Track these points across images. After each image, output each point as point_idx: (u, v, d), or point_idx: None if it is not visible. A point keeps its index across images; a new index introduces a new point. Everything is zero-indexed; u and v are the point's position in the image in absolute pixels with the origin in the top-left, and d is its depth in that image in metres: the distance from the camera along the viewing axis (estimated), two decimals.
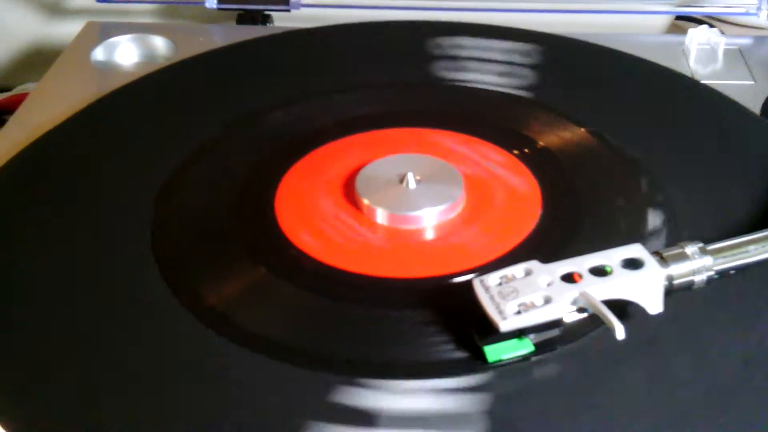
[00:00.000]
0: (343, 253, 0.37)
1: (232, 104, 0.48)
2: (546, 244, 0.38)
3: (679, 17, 0.68)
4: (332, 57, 0.52)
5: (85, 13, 0.66)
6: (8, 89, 0.66)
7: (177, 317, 0.35)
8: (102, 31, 0.58)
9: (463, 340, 0.33)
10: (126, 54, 0.57)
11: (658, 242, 0.38)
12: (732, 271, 0.34)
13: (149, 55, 0.57)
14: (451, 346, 0.33)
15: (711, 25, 0.66)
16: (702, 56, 0.54)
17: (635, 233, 0.38)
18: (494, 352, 0.32)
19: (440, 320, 0.34)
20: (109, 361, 0.33)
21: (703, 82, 0.51)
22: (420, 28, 0.54)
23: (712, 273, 0.33)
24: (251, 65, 0.52)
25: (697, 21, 0.69)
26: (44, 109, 0.50)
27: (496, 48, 0.52)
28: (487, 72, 0.50)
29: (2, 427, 0.30)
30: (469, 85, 0.49)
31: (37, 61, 0.68)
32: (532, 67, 0.51)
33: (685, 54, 0.54)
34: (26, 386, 0.32)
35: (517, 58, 0.51)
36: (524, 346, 0.32)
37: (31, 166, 0.44)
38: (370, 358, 0.33)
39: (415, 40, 0.53)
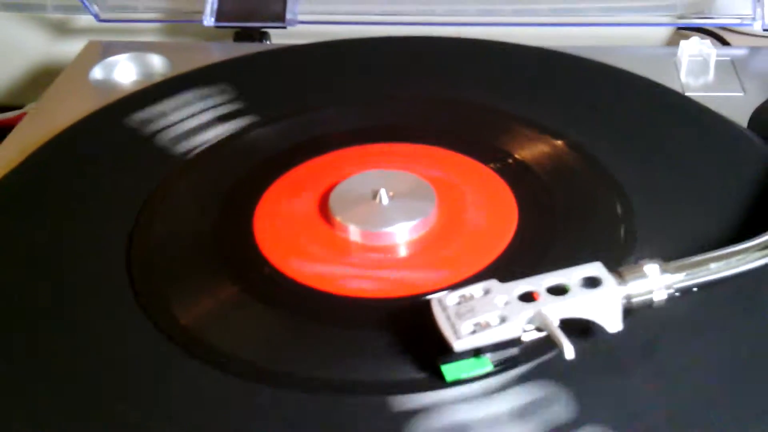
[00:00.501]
0: (317, 271, 0.38)
1: (212, 123, 0.49)
2: (519, 261, 0.38)
3: (683, 28, 0.67)
4: (307, 75, 0.53)
5: (93, 32, 0.68)
6: (18, 107, 0.68)
7: (151, 339, 0.35)
8: (103, 51, 0.59)
9: (428, 360, 0.33)
10: (124, 72, 0.58)
11: (632, 257, 0.38)
12: (694, 288, 0.34)
13: (147, 74, 0.58)
14: (417, 366, 0.33)
15: (718, 36, 0.66)
16: (694, 68, 0.54)
17: (609, 248, 0.38)
18: (452, 371, 0.32)
19: (405, 340, 0.34)
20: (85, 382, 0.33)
21: (690, 94, 0.51)
22: (394, 44, 0.54)
23: (672, 291, 0.33)
24: (233, 83, 0.52)
25: (704, 32, 0.69)
26: (41, 127, 0.51)
27: (472, 61, 0.53)
28: (462, 85, 0.50)
29: None
30: (445, 98, 0.49)
31: (46, 80, 0.69)
32: (509, 80, 0.51)
33: (676, 66, 0.54)
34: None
35: (493, 71, 0.52)
36: (482, 365, 0.32)
37: (20, 184, 0.45)
38: (335, 377, 0.33)
39: (390, 55, 0.53)
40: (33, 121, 0.53)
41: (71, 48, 0.61)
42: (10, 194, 0.45)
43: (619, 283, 0.32)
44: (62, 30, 0.69)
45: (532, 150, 0.44)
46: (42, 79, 0.69)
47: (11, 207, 0.44)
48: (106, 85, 0.57)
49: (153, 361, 0.34)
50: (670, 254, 0.34)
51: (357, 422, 0.31)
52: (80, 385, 0.33)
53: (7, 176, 0.46)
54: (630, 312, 0.33)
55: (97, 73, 0.58)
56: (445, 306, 0.32)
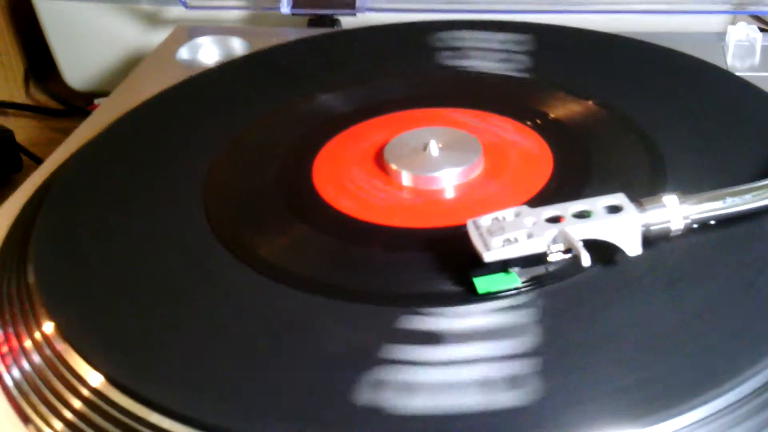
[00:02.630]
0: (375, 210, 0.42)
1: (279, 93, 0.53)
2: (555, 199, 0.41)
3: (738, 16, 0.69)
4: (362, 55, 0.57)
5: (182, 22, 0.73)
6: None
7: (232, 268, 0.39)
8: (189, 34, 0.65)
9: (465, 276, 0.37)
10: (208, 53, 0.63)
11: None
12: (712, 222, 0.37)
13: (229, 54, 0.63)
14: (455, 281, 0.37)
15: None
16: (740, 52, 0.56)
17: (634, 189, 0.41)
18: (483, 284, 0.35)
19: (447, 261, 0.38)
20: (174, 310, 0.37)
21: (734, 72, 0.53)
22: (442, 27, 0.58)
23: (688, 221, 0.36)
24: (296, 61, 0.57)
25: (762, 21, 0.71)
26: (128, 101, 0.56)
27: (514, 41, 0.57)
28: (504, 61, 0.54)
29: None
30: (489, 71, 0.53)
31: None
32: (540, 55, 0.55)
33: (723, 50, 0.57)
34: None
35: (527, 48, 0.55)
36: (511, 281, 0.35)
37: (113, 143, 0.51)
38: (398, 290, 0.37)
39: (441, 37, 0.58)
40: (120, 97, 0.58)
41: (162, 37, 0.67)
42: (104, 150, 0.50)
43: (640, 211, 0.36)
44: (154, 20, 0.75)
45: (564, 109, 0.48)
46: (133, 67, 0.74)
47: (97, 168, 0.49)
48: (192, 64, 0.62)
49: (241, 289, 0.38)
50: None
51: (396, 327, 0.35)
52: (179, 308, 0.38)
53: (94, 139, 0.51)
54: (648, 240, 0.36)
55: (183, 53, 0.63)
56: (479, 225, 0.36)
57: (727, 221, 0.37)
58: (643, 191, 0.40)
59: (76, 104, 0.80)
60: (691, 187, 0.40)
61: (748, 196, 0.36)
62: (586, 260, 0.33)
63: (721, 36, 0.58)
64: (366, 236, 0.40)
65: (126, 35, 0.76)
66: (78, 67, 0.79)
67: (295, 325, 0.36)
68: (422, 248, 0.39)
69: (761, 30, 0.68)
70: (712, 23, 0.68)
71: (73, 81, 0.80)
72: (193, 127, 0.51)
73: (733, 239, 0.37)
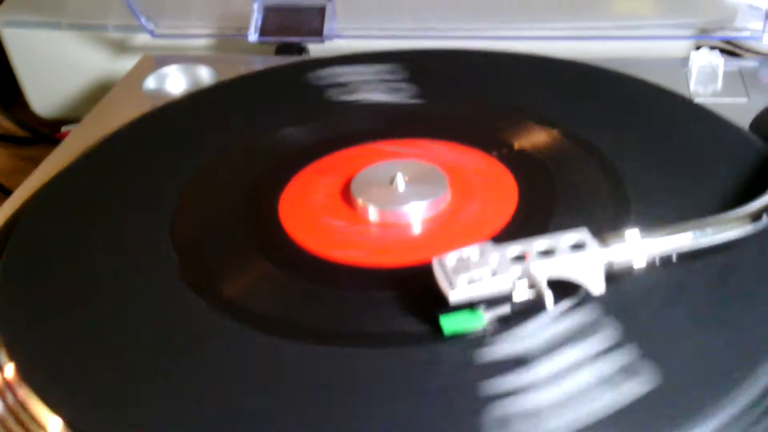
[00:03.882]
0: (342, 247, 0.42)
1: (245, 124, 0.54)
2: (519, 234, 0.41)
3: (704, 42, 0.70)
4: (330, 86, 0.57)
5: (149, 50, 0.73)
6: (79, 121, 0.73)
7: (192, 307, 0.39)
8: (156, 63, 0.65)
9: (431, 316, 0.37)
10: (175, 82, 0.63)
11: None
12: (674, 256, 0.37)
13: (195, 83, 0.63)
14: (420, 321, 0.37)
15: (734, 54, 0.69)
16: (703, 78, 0.57)
17: (599, 221, 0.41)
18: (449, 324, 0.35)
19: (412, 300, 0.38)
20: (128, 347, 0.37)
21: (695, 98, 0.54)
22: (406, 56, 0.59)
23: (652, 257, 0.36)
24: (262, 93, 0.57)
25: (726, 51, 0.72)
26: (96, 132, 0.56)
27: (480, 68, 0.57)
28: (468, 88, 0.55)
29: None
30: (452, 101, 0.54)
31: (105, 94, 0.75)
32: (505, 83, 0.55)
33: (686, 76, 0.57)
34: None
35: (499, 74, 0.56)
36: (477, 321, 0.36)
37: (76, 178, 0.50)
38: (348, 331, 0.37)
39: (405, 65, 0.58)
40: (87, 127, 0.58)
41: (129, 64, 0.66)
42: (71, 185, 0.50)
43: (602, 247, 0.36)
44: (121, 48, 0.75)
45: (529, 139, 0.48)
46: (101, 94, 0.74)
47: (65, 202, 0.48)
48: (159, 93, 0.62)
49: (203, 330, 0.38)
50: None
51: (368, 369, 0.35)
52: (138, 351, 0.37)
53: (60, 174, 0.50)
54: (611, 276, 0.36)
55: (150, 83, 0.63)
56: (444, 264, 0.36)
57: (689, 255, 0.37)
58: (607, 223, 0.41)
59: (42, 132, 0.80)
60: (654, 218, 0.41)
61: (709, 230, 0.37)
62: (549, 302, 0.33)
63: (685, 62, 0.59)
64: (332, 275, 0.40)
65: (93, 62, 0.76)
66: (45, 94, 0.79)
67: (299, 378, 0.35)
68: (389, 287, 0.39)
69: (731, 54, 0.69)
70: (677, 49, 0.69)
71: (40, 108, 0.80)
72: (159, 160, 0.51)
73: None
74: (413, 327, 0.37)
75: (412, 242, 0.42)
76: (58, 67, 0.77)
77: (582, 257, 0.35)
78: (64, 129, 0.78)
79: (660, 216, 0.41)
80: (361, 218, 0.44)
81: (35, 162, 0.55)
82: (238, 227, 0.44)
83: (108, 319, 0.39)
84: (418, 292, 0.38)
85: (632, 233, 0.36)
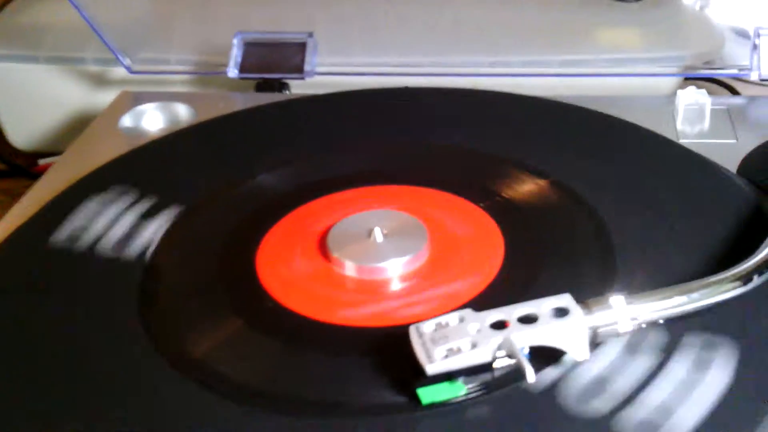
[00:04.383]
0: (315, 303, 0.41)
1: (223, 170, 0.52)
2: (503, 294, 0.40)
3: (690, 78, 0.70)
4: (304, 126, 0.56)
5: (128, 83, 0.72)
6: (58, 154, 0.72)
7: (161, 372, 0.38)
8: (134, 100, 0.63)
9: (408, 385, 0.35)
10: (152, 120, 0.62)
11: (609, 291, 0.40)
12: (660, 321, 0.36)
13: (173, 121, 0.62)
14: (397, 390, 0.36)
15: (728, 86, 0.68)
16: (690, 116, 0.56)
17: (590, 284, 0.40)
18: (427, 394, 0.34)
19: (389, 367, 0.36)
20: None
21: (684, 141, 0.53)
22: (390, 94, 0.57)
23: (637, 321, 0.35)
24: (237, 135, 0.56)
25: (716, 82, 0.71)
26: (73, 171, 0.55)
27: (462, 107, 0.56)
28: (450, 132, 0.53)
29: None
30: (435, 142, 0.52)
31: (83, 128, 0.73)
32: (496, 125, 0.54)
33: (673, 115, 0.56)
34: None
35: (483, 117, 0.54)
36: (457, 390, 0.34)
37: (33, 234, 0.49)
38: (320, 399, 0.36)
39: (383, 105, 0.57)
40: (64, 166, 0.57)
41: (108, 98, 0.65)
42: (39, 233, 0.48)
43: (586, 314, 0.35)
44: (100, 81, 0.74)
45: (518, 189, 0.47)
46: (79, 128, 0.73)
47: (39, 245, 0.47)
48: (135, 132, 0.61)
49: (171, 395, 0.37)
50: (648, 288, 0.37)
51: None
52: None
53: (30, 220, 0.49)
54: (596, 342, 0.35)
55: (126, 121, 0.61)
56: (421, 333, 0.34)
57: (676, 319, 0.36)
58: (593, 285, 0.39)
59: (17, 163, 0.78)
60: (642, 277, 0.40)
61: (695, 295, 0.36)
62: (530, 376, 0.32)
63: (672, 99, 0.58)
64: (310, 336, 0.39)
65: (72, 96, 0.75)
66: (23, 127, 0.78)
67: None
68: (365, 352, 0.37)
69: (721, 84, 0.68)
70: (663, 86, 0.68)
71: (17, 141, 0.78)
72: (131, 206, 0.49)
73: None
74: (390, 395, 0.35)
75: (390, 299, 0.41)
76: (36, 100, 0.76)
77: (565, 324, 0.34)
78: (41, 162, 0.77)
79: (648, 272, 0.40)
80: (337, 272, 0.42)
81: (11, 194, 0.54)
82: (212, 281, 0.43)
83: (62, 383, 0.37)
84: (396, 355, 0.36)
85: (617, 300, 0.35)
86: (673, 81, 0.70)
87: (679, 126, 0.55)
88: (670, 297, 0.36)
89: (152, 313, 0.41)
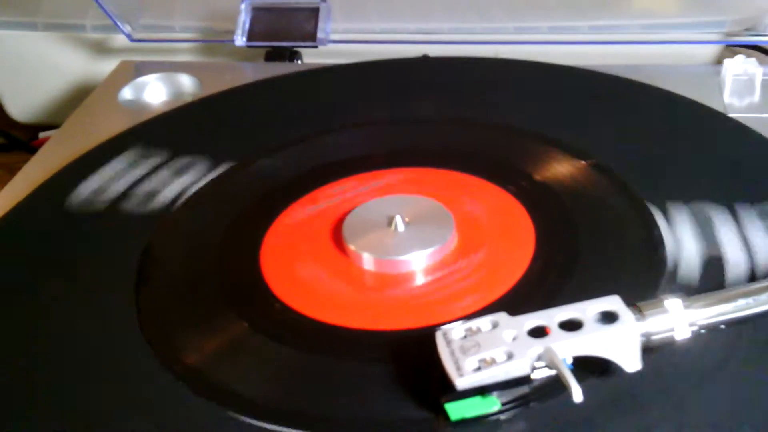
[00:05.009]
0: (328, 304, 0.36)
1: (225, 149, 0.48)
2: (535, 292, 0.36)
3: (732, 45, 0.65)
4: (317, 99, 0.52)
5: (130, 51, 0.67)
6: (57, 126, 0.68)
7: (158, 377, 0.34)
8: (135, 71, 0.59)
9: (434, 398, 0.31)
10: (154, 93, 0.58)
11: (659, 291, 0.35)
12: (722, 326, 0.31)
13: (177, 93, 0.58)
14: (422, 404, 0.31)
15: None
16: (738, 88, 0.51)
17: (635, 281, 0.36)
18: (456, 410, 0.30)
19: (412, 376, 0.32)
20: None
21: (734, 115, 0.48)
22: (411, 65, 0.52)
23: (695, 328, 0.31)
24: (240, 111, 0.52)
25: (758, 49, 0.66)
26: (68, 148, 0.51)
27: (488, 79, 0.51)
28: (479, 104, 0.49)
29: None
30: (461, 118, 0.47)
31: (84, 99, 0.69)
32: (527, 97, 0.49)
33: (720, 86, 0.52)
34: None
35: (512, 89, 0.50)
36: (489, 404, 0.30)
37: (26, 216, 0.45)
38: (336, 415, 0.32)
39: (404, 77, 0.52)
40: (60, 141, 0.53)
41: (109, 67, 0.61)
42: (31, 215, 0.44)
43: (638, 319, 0.30)
44: (100, 49, 0.69)
45: (552, 172, 0.42)
46: (80, 98, 0.69)
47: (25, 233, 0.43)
48: (136, 105, 0.57)
49: (167, 403, 0.33)
50: (701, 287, 0.32)
51: None
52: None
53: (22, 203, 0.45)
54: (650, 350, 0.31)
55: (126, 93, 0.57)
56: (450, 340, 0.30)
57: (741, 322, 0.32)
58: (638, 284, 0.35)
59: (15, 136, 0.74)
60: (697, 276, 0.35)
61: (764, 296, 0.31)
62: (578, 395, 0.28)
63: (717, 69, 0.53)
64: (320, 341, 0.35)
65: (71, 65, 0.71)
66: (22, 98, 0.74)
67: None
68: (385, 359, 0.33)
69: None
70: (700, 55, 0.63)
71: (16, 113, 0.75)
72: (127, 192, 0.45)
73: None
74: (413, 410, 0.31)
75: (412, 298, 0.36)
76: (35, 70, 0.72)
77: (614, 332, 0.30)
78: (41, 135, 0.74)
79: (703, 268, 0.36)
80: (354, 266, 0.38)
81: (9, 169, 0.50)
82: (211, 280, 0.39)
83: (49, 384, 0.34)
84: (420, 364, 0.32)
85: (673, 303, 0.31)
86: (712, 49, 0.65)
87: (727, 99, 0.51)
88: (734, 299, 0.31)
89: (148, 318, 0.37)
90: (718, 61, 0.63)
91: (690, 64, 0.61)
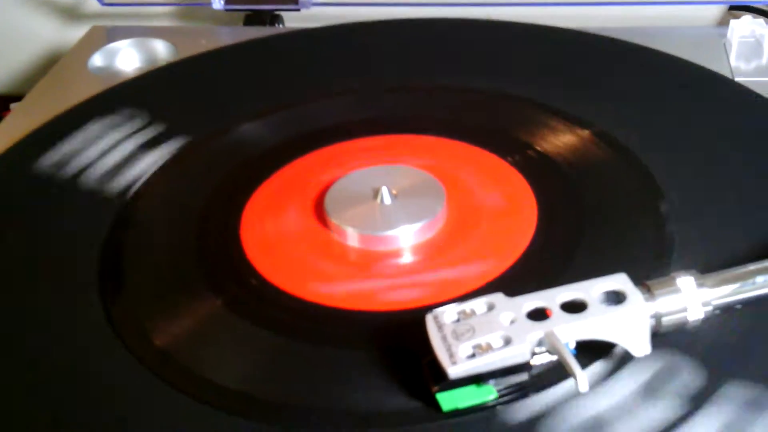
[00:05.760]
0: (310, 282, 0.33)
1: (200, 117, 0.45)
2: (535, 271, 0.33)
3: (735, 7, 0.62)
4: (303, 62, 0.49)
5: (102, 17, 0.64)
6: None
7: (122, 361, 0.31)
8: (107, 36, 0.56)
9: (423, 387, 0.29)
10: (127, 60, 0.55)
11: (668, 268, 0.32)
12: (738, 306, 0.29)
13: (151, 60, 0.54)
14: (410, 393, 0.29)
15: None
16: (745, 50, 0.48)
17: (642, 257, 0.33)
18: (449, 400, 0.27)
19: (398, 363, 0.30)
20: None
21: (741, 79, 0.45)
22: (403, 27, 0.49)
23: (709, 308, 0.28)
24: (220, 75, 0.48)
25: (760, 12, 0.63)
26: (35, 118, 0.48)
27: (484, 42, 0.48)
28: (475, 70, 0.45)
29: None
30: (454, 84, 0.44)
31: None
32: (525, 62, 0.46)
33: (726, 48, 0.49)
34: None
35: (509, 53, 0.47)
36: (485, 393, 0.27)
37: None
38: (321, 406, 0.29)
39: (394, 39, 0.49)
40: (26, 110, 0.50)
41: (80, 34, 0.58)
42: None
43: (647, 299, 0.28)
44: (71, 15, 0.66)
45: (553, 141, 0.40)
46: (50, 68, 0.66)
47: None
48: (107, 72, 0.54)
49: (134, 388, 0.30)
50: (713, 264, 0.30)
51: None
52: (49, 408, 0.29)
53: None
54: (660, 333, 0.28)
55: (97, 60, 0.54)
56: (441, 323, 0.28)
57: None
58: (646, 260, 0.32)
59: None
60: (706, 251, 0.33)
61: None
62: (583, 384, 0.25)
63: (722, 31, 0.50)
64: (302, 321, 0.32)
65: (41, 32, 0.68)
66: None
67: None
68: (371, 344, 0.30)
69: None
70: (702, 17, 0.60)
71: None
72: (97, 161, 0.42)
73: None
74: (403, 400, 0.28)
75: (399, 276, 0.34)
76: (5, 38, 0.69)
77: (622, 314, 0.27)
78: (12, 106, 0.70)
79: (712, 243, 0.33)
80: (337, 241, 0.35)
81: None
82: (187, 255, 0.36)
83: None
84: (409, 349, 0.29)
85: (685, 281, 0.28)
86: (716, 11, 0.62)
87: (733, 62, 0.48)
88: (751, 276, 0.28)
89: (115, 297, 0.34)
90: (719, 25, 0.61)
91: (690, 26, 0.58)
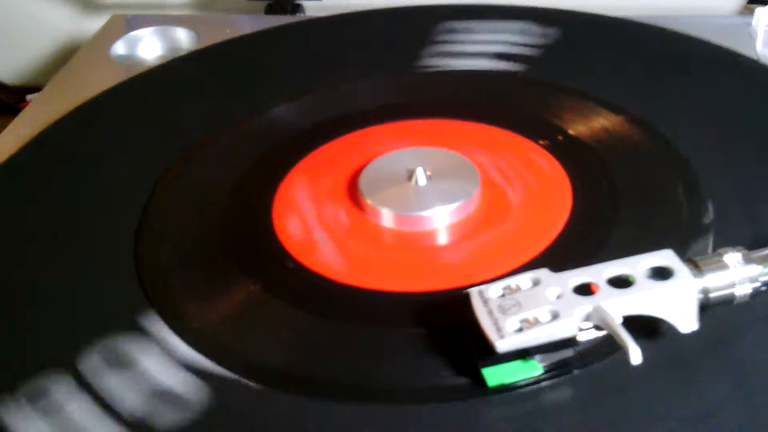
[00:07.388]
0: (347, 264, 0.33)
1: (230, 101, 0.44)
2: (574, 249, 0.33)
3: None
4: (334, 48, 0.49)
5: (120, 7, 0.64)
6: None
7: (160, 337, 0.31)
8: (127, 25, 0.56)
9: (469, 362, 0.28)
10: (148, 48, 0.55)
11: (707, 244, 0.32)
12: None
13: (173, 48, 0.54)
14: (456, 370, 0.29)
15: None
16: None
17: (678, 238, 0.33)
18: (495, 375, 0.27)
19: (442, 340, 0.29)
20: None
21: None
22: (432, 13, 0.49)
23: (758, 284, 0.28)
24: (250, 60, 0.48)
25: None
26: (56, 106, 0.48)
27: (517, 30, 0.48)
28: (507, 57, 0.45)
29: None
30: (487, 70, 0.44)
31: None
32: (560, 49, 0.46)
33: (752, 37, 0.49)
34: None
35: (542, 40, 0.46)
36: (530, 369, 0.27)
37: (28, 164, 0.42)
38: (364, 383, 0.29)
39: (424, 26, 0.49)
40: (47, 99, 0.50)
41: (98, 24, 0.58)
42: (15, 176, 0.41)
43: (695, 275, 0.27)
44: (88, 5, 0.66)
45: (587, 125, 0.39)
46: (66, 59, 0.65)
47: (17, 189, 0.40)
48: (129, 61, 0.53)
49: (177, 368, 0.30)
50: (751, 241, 0.29)
51: None
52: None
53: (12, 158, 0.42)
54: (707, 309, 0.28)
55: (119, 48, 0.54)
56: (486, 299, 0.27)
57: None
58: (687, 241, 0.32)
59: (5, 101, 0.71)
60: (741, 228, 0.32)
61: None
62: (636, 357, 0.25)
63: (746, 19, 0.50)
64: (338, 303, 0.32)
65: (59, 23, 0.68)
66: (8, 59, 0.70)
67: None
68: (409, 322, 0.30)
69: None
70: (721, 7, 0.60)
71: (4, 74, 0.71)
72: (124, 147, 0.42)
73: None
74: (448, 377, 0.28)
75: (436, 257, 0.33)
76: (20, 28, 0.69)
77: (670, 290, 0.27)
78: (29, 98, 0.70)
79: (752, 222, 0.33)
80: (371, 223, 0.35)
81: None
82: (219, 236, 0.35)
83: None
84: (452, 326, 0.29)
85: (733, 257, 0.28)
86: (734, 3, 0.62)
87: (760, 48, 0.48)
88: None
89: (150, 275, 0.34)
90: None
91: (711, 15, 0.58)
